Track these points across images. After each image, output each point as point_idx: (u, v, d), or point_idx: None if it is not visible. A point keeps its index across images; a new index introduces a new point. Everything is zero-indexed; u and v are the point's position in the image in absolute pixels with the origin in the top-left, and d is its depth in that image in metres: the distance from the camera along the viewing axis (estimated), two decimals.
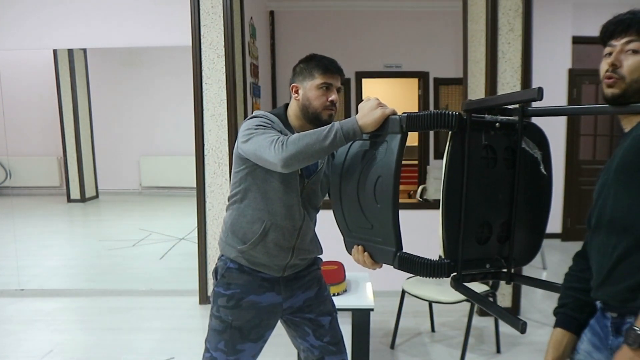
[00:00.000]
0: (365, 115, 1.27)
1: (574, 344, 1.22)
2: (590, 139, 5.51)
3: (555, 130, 5.38)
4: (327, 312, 1.71)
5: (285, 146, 1.30)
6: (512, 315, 1.13)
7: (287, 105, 1.64)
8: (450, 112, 1.15)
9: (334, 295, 2.46)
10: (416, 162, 6.63)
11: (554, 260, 4.63)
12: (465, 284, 1.21)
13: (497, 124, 1.22)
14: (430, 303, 2.98)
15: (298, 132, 1.50)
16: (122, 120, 5.99)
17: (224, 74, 3.40)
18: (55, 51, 5.32)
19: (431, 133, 6.06)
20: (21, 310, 3.51)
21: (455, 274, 1.20)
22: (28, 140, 5.78)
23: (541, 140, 1.31)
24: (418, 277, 2.84)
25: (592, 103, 5.41)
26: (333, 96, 1.53)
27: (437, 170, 5.36)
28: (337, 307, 2.42)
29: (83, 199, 5.86)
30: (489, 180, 1.23)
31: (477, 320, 3.22)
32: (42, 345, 2.94)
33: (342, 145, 1.33)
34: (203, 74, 3.42)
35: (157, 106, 5.85)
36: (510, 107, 1.28)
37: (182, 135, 4.66)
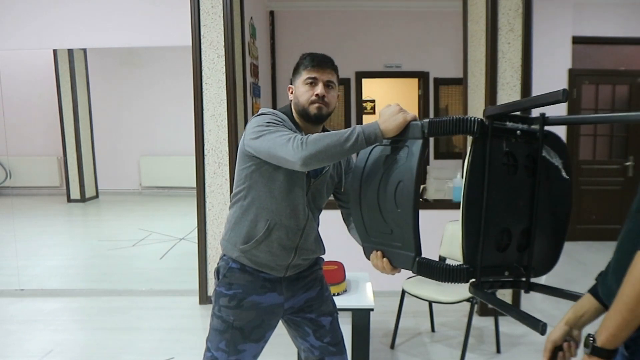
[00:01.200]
0: (387, 120, 1.28)
1: (597, 315, 1.13)
2: (590, 139, 5.51)
3: (555, 130, 5.39)
4: (328, 312, 1.71)
5: (305, 145, 1.29)
6: (533, 317, 1.10)
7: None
8: (473, 118, 1.16)
9: (334, 295, 2.46)
10: None
11: None
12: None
13: (518, 131, 1.22)
14: (430, 303, 2.98)
15: (304, 131, 1.53)
16: (122, 120, 6.00)
17: (224, 74, 3.40)
18: (55, 51, 5.32)
19: None
20: (21, 310, 3.51)
21: (474, 279, 1.20)
22: (28, 140, 5.79)
23: (561, 149, 1.30)
24: (418, 277, 2.85)
25: (593, 103, 5.42)
26: (318, 90, 1.51)
27: (437, 170, 5.36)
28: (337, 307, 2.42)
29: (83, 199, 5.86)
30: (509, 187, 1.22)
31: (477, 320, 3.22)
32: (42, 345, 2.94)
33: (363, 149, 1.33)
34: (203, 74, 3.42)
35: (157, 106, 5.85)
36: (531, 116, 1.27)
37: (182, 135, 4.67)
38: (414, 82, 6.59)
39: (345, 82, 5.94)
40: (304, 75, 1.53)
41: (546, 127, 1.24)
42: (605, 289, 1.07)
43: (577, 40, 5.30)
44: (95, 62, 5.69)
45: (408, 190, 1.24)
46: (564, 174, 1.26)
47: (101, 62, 5.73)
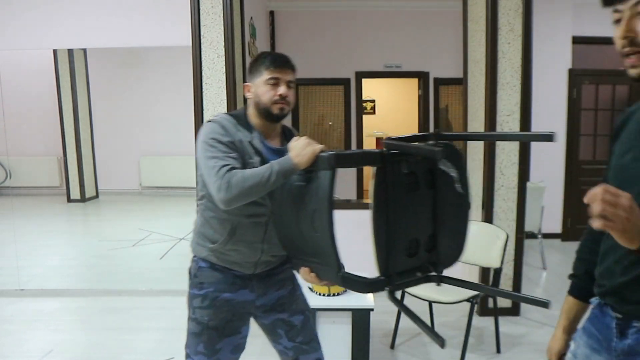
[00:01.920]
0: (299, 154, 1.38)
1: (584, 311, 1.22)
2: (590, 139, 5.51)
3: (555, 130, 5.38)
4: (300, 311, 1.74)
5: (229, 188, 1.38)
6: (433, 331, 1.25)
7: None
8: (374, 151, 1.31)
9: (334, 295, 2.46)
10: None
11: (554, 260, 4.63)
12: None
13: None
14: (430, 303, 2.98)
15: (258, 131, 1.58)
16: (122, 120, 5.99)
17: (224, 74, 3.40)
18: (55, 51, 5.31)
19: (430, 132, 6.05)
20: (21, 310, 3.51)
21: (389, 287, 1.34)
22: (28, 140, 5.78)
23: (458, 159, 1.42)
24: None
25: (593, 103, 5.42)
26: (282, 90, 1.54)
27: None
28: (337, 307, 2.43)
29: (83, 199, 5.86)
30: (413, 202, 1.37)
31: (477, 320, 3.22)
32: (42, 345, 2.94)
33: (281, 182, 1.42)
34: (203, 74, 3.42)
35: (157, 106, 5.85)
36: (426, 133, 1.43)
37: (182, 135, 4.66)
38: (414, 82, 6.59)
39: (345, 82, 5.94)
40: (266, 75, 1.55)
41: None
42: (604, 270, 1.09)
43: (577, 40, 5.30)
44: (95, 62, 5.68)
45: (322, 217, 1.36)
46: (456, 187, 1.39)
47: (101, 62, 5.72)
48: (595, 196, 0.81)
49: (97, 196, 6.02)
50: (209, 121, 1.55)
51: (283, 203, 1.49)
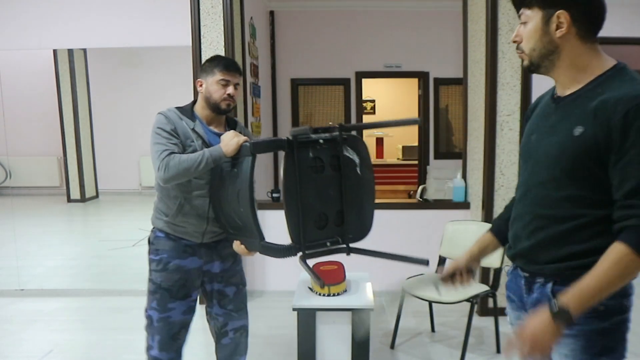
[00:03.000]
0: (227, 144, 1.71)
1: (494, 250, 1.43)
2: None
3: None
4: (235, 284, 2.05)
5: (167, 169, 1.72)
6: (410, 258, 1.58)
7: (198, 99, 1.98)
8: (283, 138, 1.58)
9: (334, 295, 2.47)
10: (416, 162, 6.63)
11: None
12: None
13: (320, 140, 1.64)
14: (430, 303, 2.98)
15: (200, 119, 1.91)
16: (122, 120, 5.99)
17: None
18: (55, 51, 5.32)
19: (431, 133, 6.07)
20: (21, 310, 3.51)
21: (301, 253, 1.61)
22: (28, 140, 5.79)
23: (360, 147, 1.72)
24: (418, 277, 2.85)
25: None
26: (230, 90, 1.87)
27: (437, 170, 5.36)
28: (337, 307, 2.43)
29: (83, 199, 5.86)
30: (319, 183, 1.63)
31: (477, 320, 3.22)
32: (42, 345, 2.94)
33: (212, 167, 1.76)
34: None
35: (157, 106, 5.83)
36: (332, 126, 1.69)
37: None
38: (414, 82, 6.59)
39: (345, 82, 5.94)
40: (218, 76, 1.86)
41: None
42: (513, 235, 1.29)
43: None
44: (95, 62, 5.68)
45: (245, 195, 1.64)
46: (358, 170, 1.69)
47: (101, 62, 5.72)
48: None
49: (97, 196, 6.02)
50: (158, 113, 1.88)
51: (218, 185, 1.81)
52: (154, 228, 1.99)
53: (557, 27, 1.12)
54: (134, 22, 3.61)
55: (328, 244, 1.69)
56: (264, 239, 1.69)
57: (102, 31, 3.62)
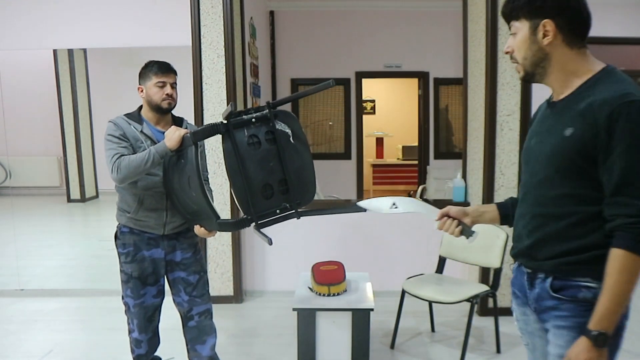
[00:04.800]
0: (170, 139, 1.88)
1: (492, 221, 1.46)
2: None
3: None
4: (197, 271, 2.21)
5: (119, 170, 1.90)
6: (352, 207, 1.69)
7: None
8: (217, 123, 1.75)
9: (334, 295, 2.47)
10: (416, 162, 6.63)
11: None
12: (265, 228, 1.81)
13: (253, 119, 1.80)
14: (430, 303, 2.98)
15: (147, 121, 2.07)
16: None
17: (224, 74, 3.40)
18: (55, 51, 5.30)
19: (431, 133, 6.06)
20: (21, 310, 3.51)
21: (254, 223, 1.80)
22: (28, 140, 5.78)
23: (292, 120, 1.89)
24: (418, 277, 2.85)
25: None
26: (168, 90, 2.03)
27: (437, 170, 5.36)
28: (337, 307, 2.43)
29: (83, 199, 5.85)
30: (259, 157, 1.79)
31: (477, 320, 3.22)
32: (42, 345, 2.94)
33: (160, 162, 1.93)
34: (203, 74, 3.42)
35: None
36: (262, 106, 1.86)
37: None
38: (414, 82, 6.58)
39: (345, 82, 5.94)
40: (155, 79, 2.02)
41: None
42: (516, 235, 1.35)
43: None
44: (95, 62, 5.68)
45: (195, 180, 1.80)
46: (291, 139, 1.86)
47: (101, 62, 5.72)
48: None
49: (97, 196, 6.01)
50: (108, 121, 2.04)
51: (170, 178, 1.99)
52: (119, 224, 2.18)
53: (544, 36, 1.19)
54: (134, 22, 3.61)
55: (278, 211, 1.85)
56: (219, 217, 1.85)
57: (102, 31, 3.62)
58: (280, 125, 1.84)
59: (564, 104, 1.21)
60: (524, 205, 1.30)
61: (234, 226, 1.88)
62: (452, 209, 1.44)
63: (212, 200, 2.01)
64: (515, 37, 1.24)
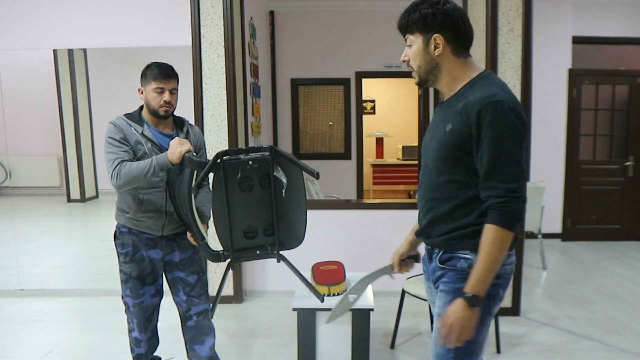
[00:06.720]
0: (172, 153, 1.90)
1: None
2: (590, 139, 5.51)
3: (555, 130, 5.38)
4: (195, 271, 2.21)
5: (119, 177, 1.91)
6: (312, 288, 2.09)
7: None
8: (211, 161, 1.83)
9: (333, 295, 2.47)
10: (416, 162, 6.63)
11: (554, 260, 4.63)
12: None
13: (250, 162, 1.87)
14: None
15: (148, 123, 2.07)
16: None
17: (224, 74, 3.40)
18: (55, 51, 5.30)
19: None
20: (21, 310, 3.51)
21: (229, 260, 1.92)
22: (28, 140, 5.78)
23: (292, 168, 1.92)
24: (418, 277, 2.85)
25: (593, 103, 5.42)
26: (165, 97, 2.01)
27: None
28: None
29: (83, 199, 5.85)
30: (247, 201, 1.86)
31: None
32: (42, 345, 2.94)
33: (160, 173, 1.95)
34: (203, 74, 3.42)
35: None
36: (264, 146, 1.93)
37: None
38: (413, 82, 6.57)
39: (345, 82, 5.93)
40: (154, 84, 2.00)
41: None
42: (418, 218, 1.55)
43: (577, 40, 5.30)
44: (95, 62, 5.67)
45: (185, 201, 1.90)
46: (283, 193, 1.90)
47: (101, 62, 5.72)
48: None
49: (97, 196, 6.01)
50: (109, 122, 2.02)
51: (173, 182, 2.03)
52: (118, 224, 2.18)
53: (435, 47, 1.38)
54: (134, 22, 3.60)
55: (258, 252, 1.94)
56: (204, 239, 1.92)
57: (102, 31, 3.62)
58: (279, 173, 1.88)
59: (447, 104, 1.41)
60: (421, 191, 1.49)
61: (211, 257, 1.97)
62: (401, 252, 1.63)
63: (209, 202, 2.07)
64: (411, 48, 1.45)
